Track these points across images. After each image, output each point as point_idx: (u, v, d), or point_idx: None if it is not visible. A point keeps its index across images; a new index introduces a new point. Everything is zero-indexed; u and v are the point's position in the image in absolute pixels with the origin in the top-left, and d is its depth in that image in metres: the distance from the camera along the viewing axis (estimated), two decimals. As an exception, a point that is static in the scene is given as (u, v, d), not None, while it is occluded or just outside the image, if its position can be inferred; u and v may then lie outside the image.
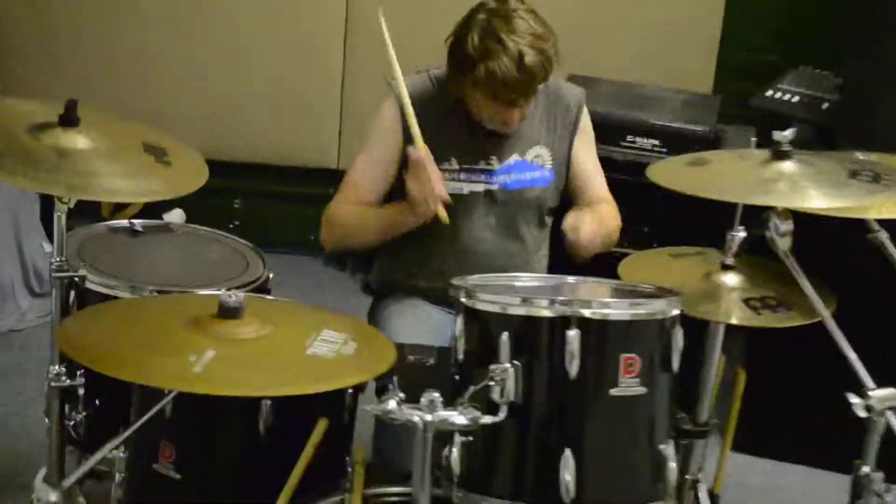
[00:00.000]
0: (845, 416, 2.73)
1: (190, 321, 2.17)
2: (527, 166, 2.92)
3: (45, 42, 4.96)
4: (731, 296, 2.57)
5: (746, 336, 3.38)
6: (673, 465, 2.20)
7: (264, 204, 5.17)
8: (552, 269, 3.04)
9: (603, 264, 2.87)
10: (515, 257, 2.96)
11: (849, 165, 2.34)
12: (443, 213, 2.74)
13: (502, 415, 2.11)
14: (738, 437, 2.84)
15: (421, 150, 2.73)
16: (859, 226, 2.54)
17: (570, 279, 2.55)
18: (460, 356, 2.23)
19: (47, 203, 4.34)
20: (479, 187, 2.89)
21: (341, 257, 3.17)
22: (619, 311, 2.16)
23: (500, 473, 2.19)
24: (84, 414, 2.62)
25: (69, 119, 2.22)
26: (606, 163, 3.17)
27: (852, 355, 2.28)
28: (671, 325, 2.20)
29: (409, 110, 2.75)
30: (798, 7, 4.85)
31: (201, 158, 2.45)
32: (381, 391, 2.40)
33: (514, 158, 2.91)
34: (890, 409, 2.23)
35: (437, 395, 2.07)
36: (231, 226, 4.83)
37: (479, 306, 2.19)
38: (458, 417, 2.08)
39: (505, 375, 2.11)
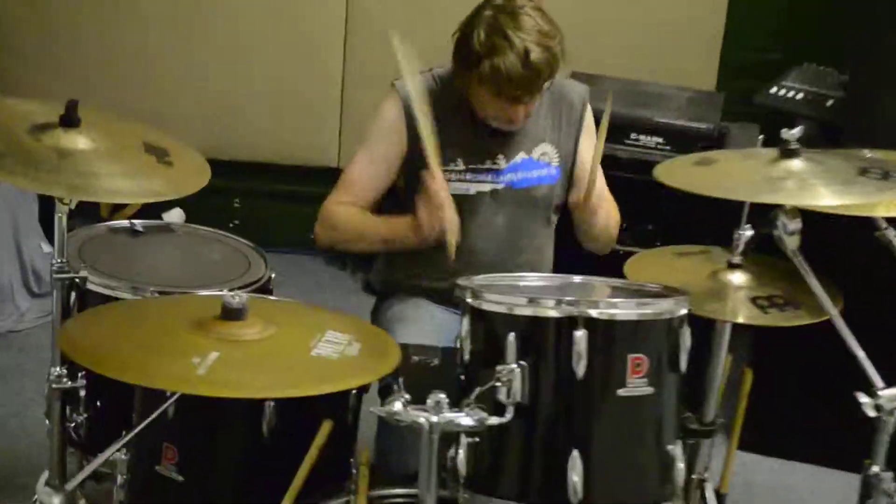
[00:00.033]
0: (852, 414, 2.72)
1: (193, 322, 2.15)
2: (534, 164, 2.92)
3: (45, 42, 4.96)
4: (737, 294, 2.56)
5: (753, 335, 3.36)
6: (681, 465, 2.19)
7: (264, 203, 5.17)
8: (557, 268, 3.03)
9: (608, 263, 2.86)
10: (522, 256, 2.95)
11: (857, 163, 2.33)
12: (451, 247, 2.73)
13: (509, 416, 2.10)
14: (744, 436, 2.82)
15: (437, 178, 2.71)
16: (866, 224, 2.53)
17: (577, 278, 2.54)
18: (466, 357, 2.22)
19: (46, 203, 4.36)
20: (486, 187, 2.88)
21: (340, 257, 3.15)
22: (626, 310, 2.14)
23: (507, 474, 2.18)
24: (85, 416, 2.60)
25: (70, 119, 2.21)
26: (610, 161, 3.17)
27: (861, 354, 2.27)
28: (679, 325, 2.19)
29: (430, 141, 2.72)
30: (800, 5, 4.85)
31: (202, 158, 2.44)
32: (384, 391, 2.40)
33: (520, 157, 2.90)
34: (900, 408, 2.21)
35: (443, 396, 2.05)
36: (231, 225, 4.82)
37: (486, 307, 2.18)
38: (464, 419, 2.07)
39: (511, 376, 2.10)
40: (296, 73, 4.99)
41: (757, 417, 2.85)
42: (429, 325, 2.87)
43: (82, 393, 2.52)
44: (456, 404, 2.09)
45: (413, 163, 2.86)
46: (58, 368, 2.40)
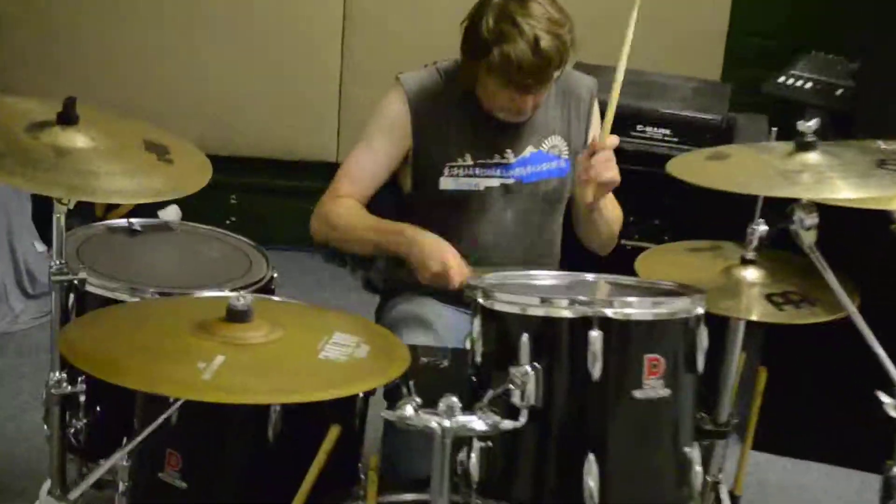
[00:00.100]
0: (865, 412, 2.71)
1: (197, 325, 2.13)
2: (543, 157, 2.90)
3: (43, 40, 4.94)
4: (752, 291, 2.54)
5: (764, 332, 3.35)
6: (698, 468, 2.18)
7: (261, 200, 5.16)
8: (563, 265, 3.00)
9: (616, 259, 2.84)
10: (532, 251, 2.93)
11: (875, 155, 2.31)
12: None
13: (523, 419, 2.08)
14: (756, 436, 2.81)
15: (459, 269, 2.66)
16: (881, 217, 2.52)
17: (589, 276, 2.52)
18: (478, 358, 2.21)
19: (39, 201, 4.35)
20: (495, 182, 2.86)
21: (339, 254, 3.13)
22: (642, 310, 2.12)
23: (521, 479, 2.16)
24: (85, 421, 2.59)
25: (68, 117, 2.19)
26: (616, 153, 3.13)
27: (881, 352, 2.26)
28: (696, 324, 2.17)
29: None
30: (806, -9, 4.83)
31: (203, 156, 2.42)
32: (391, 393, 2.38)
33: (529, 150, 2.88)
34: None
35: (455, 399, 2.03)
36: (227, 222, 4.82)
37: (498, 307, 2.16)
38: (477, 423, 2.05)
39: (525, 378, 2.08)
40: (294, 68, 4.98)
41: (769, 416, 2.84)
42: (436, 325, 2.84)
43: (82, 398, 2.51)
44: (467, 407, 2.07)
45: (420, 162, 2.84)
46: (57, 373, 2.38)
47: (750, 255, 2.57)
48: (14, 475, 3.39)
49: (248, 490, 2.26)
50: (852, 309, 2.28)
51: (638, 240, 3.54)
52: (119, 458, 2.27)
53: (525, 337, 2.10)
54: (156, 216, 4.15)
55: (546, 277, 2.56)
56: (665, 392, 2.12)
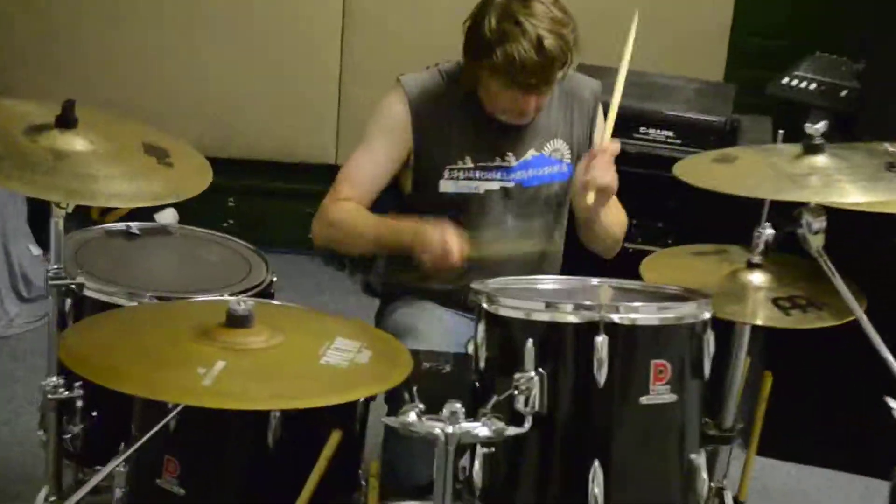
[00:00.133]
0: (869, 417, 2.70)
1: (196, 330, 2.12)
2: (545, 161, 2.88)
3: (42, 41, 4.93)
4: (758, 295, 2.53)
5: (766, 336, 3.35)
6: (704, 475, 2.18)
7: (259, 202, 5.15)
8: (567, 269, 3.00)
9: (619, 263, 2.84)
10: (533, 256, 2.92)
11: (883, 158, 2.30)
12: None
13: (527, 425, 2.08)
14: (760, 441, 2.81)
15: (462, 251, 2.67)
16: (888, 221, 2.51)
17: (593, 281, 2.51)
18: (481, 364, 2.20)
19: (34, 204, 4.34)
20: (495, 185, 2.85)
21: (339, 257, 3.12)
22: (648, 315, 2.12)
23: (525, 486, 2.16)
24: (81, 427, 2.56)
25: (66, 120, 2.19)
26: (619, 155, 3.12)
27: (889, 357, 2.25)
28: (702, 330, 2.17)
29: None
30: (809, -8, 4.83)
31: (203, 158, 2.42)
32: (392, 398, 2.37)
33: (531, 154, 2.87)
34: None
35: (458, 405, 2.03)
36: (225, 225, 4.81)
37: (502, 312, 2.16)
38: (481, 429, 2.05)
39: (530, 384, 2.08)
40: (293, 69, 4.96)
41: (772, 421, 2.83)
42: (436, 329, 2.83)
43: (79, 403, 2.49)
44: (470, 413, 2.06)
45: (420, 164, 2.83)
46: (54, 378, 2.38)
47: (756, 258, 2.56)
48: (9, 479, 3.38)
49: (248, 497, 2.25)
50: (860, 313, 2.28)
51: (641, 243, 3.54)
52: (116, 466, 2.26)
53: (530, 342, 2.10)
54: (152, 219, 4.13)
55: (550, 282, 2.56)
56: (671, 398, 2.12)
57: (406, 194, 2.92)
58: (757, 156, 2.45)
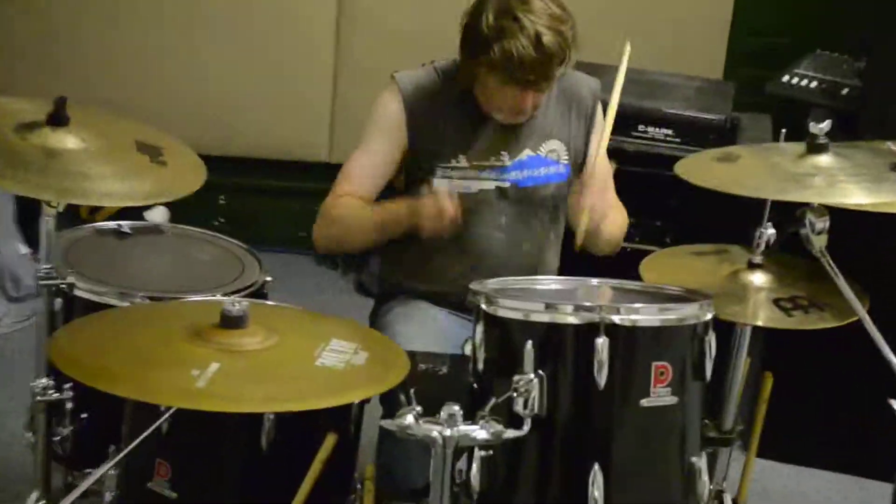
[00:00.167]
0: (869, 419, 2.71)
1: (190, 331, 2.12)
2: (541, 161, 2.88)
3: (37, 38, 4.92)
4: (759, 296, 2.54)
5: (765, 337, 3.35)
6: (705, 478, 2.18)
7: (251, 200, 5.14)
8: (566, 270, 2.99)
9: (616, 262, 2.83)
10: (528, 257, 2.92)
11: (887, 157, 2.31)
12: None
13: (526, 428, 2.07)
14: (759, 442, 2.81)
15: (452, 199, 2.69)
16: (891, 221, 2.51)
17: (593, 281, 2.51)
18: (480, 365, 2.20)
19: (23, 202, 4.33)
20: (490, 185, 2.85)
21: (332, 256, 3.12)
22: (649, 316, 2.12)
23: (524, 490, 2.16)
24: (70, 429, 2.55)
25: (58, 118, 2.18)
26: (617, 154, 3.12)
27: (892, 358, 2.26)
28: (704, 331, 2.17)
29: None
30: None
31: (197, 157, 2.41)
32: (387, 399, 2.37)
33: (526, 154, 2.87)
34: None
35: (456, 408, 2.03)
36: (216, 223, 4.80)
37: (501, 313, 2.15)
38: (479, 432, 2.05)
39: (529, 386, 2.07)
40: (287, 67, 4.96)
41: (771, 422, 2.83)
42: (431, 329, 2.83)
43: (69, 405, 2.48)
44: (468, 415, 2.06)
45: (413, 163, 2.83)
46: (44, 379, 2.37)
47: (757, 258, 2.56)
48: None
49: (241, 501, 2.24)
50: (864, 314, 2.28)
51: (639, 242, 3.54)
52: (108, 469, 2.25)
53: (529, 344, 2.09)
54: (142, 217, 4.13)
55: (549, 282, 2.56)
56: (672, 400, 2.12)
57: (400, 193, 2.91)
58: (759, 155, 2.45)
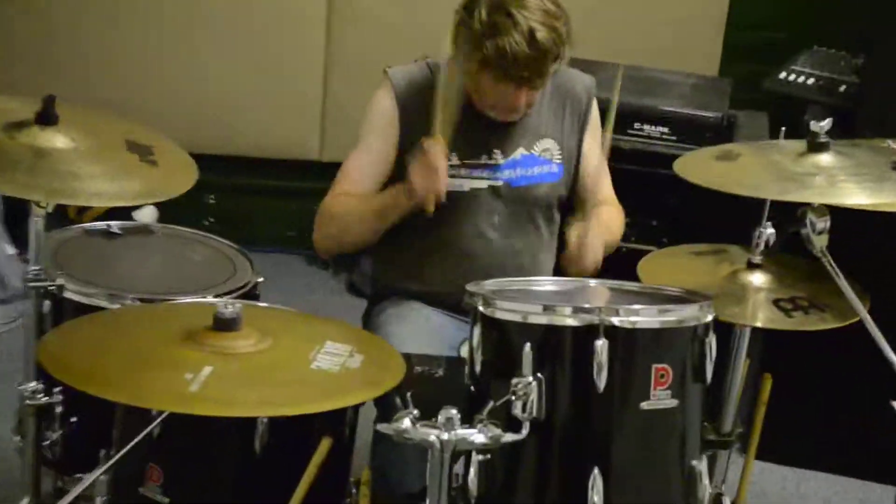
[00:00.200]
0: (868, 421, 2.71)
1: (182, 334, 2.12)
2: (535, 160, 2.88)
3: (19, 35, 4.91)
4: (758, 297, 2.53)
5: (764, 338, 3.35)
6: (706, 482, 2.17)
7: (240, 199, 5.12)
8: (560, 270, 2.99)
9: (612, 262, 2.83)
10: (521, 257, 2.91)
11: (888, 156, 2.31)
12: (430, 207, 2.69)
13: (525, 432, 2.06)
14: (758, 444, 2.81)
15: (437, 143, 2.68)
16: (891, 220, 2.51)
17: (592, 282, 2.51)
18: (477, 368, 2.18)
19: (10, 202, 4.31)
20: (482, 184, 2.84)
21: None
22: (648, 318, 2.10)
23: (522, 494, 2.14)
24: (60, 433, 2.56)
25: (47, 116, 2.17)
26: (612, 152, 3.11)
27: (894, 359, 2.25)
28: (704, 333, 2.16)
29: (440, 100, 2.69)
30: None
31: (188, 156, 2.41)
32: (381, 402, 2.36)
33: (520, 152, 2.86)
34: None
35: (454, 412, 2.02)
36: (205, 222, 4.79)
37: (499, 315, 2.14)
38: (477, 436, 2.03)
39: (528, 389, 2.06)
40: (277, 64, 4.95)
41: (770, 424, 2.83)
42: (425, 330, 2.83)
43: (58, 409, 2.48)
44: (465, 419, 2.05)
45: (405, 159, 2.83)
46: (33, 383, 2.36)
47: (757, 258, 2.56)
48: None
49: (234, 505, 2.23)
50: (865, 315, 2.28)
51: (635, 242, 3.54)
52: (100, 475, 2.24)
53: (527, 346, 2.08)
54: (131, 217, 4.12)
55: (547, 283, 2.55)
56: (672, 403, 2.11)
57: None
58: (759, 153, 2.45)
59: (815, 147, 2.27)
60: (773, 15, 4.83)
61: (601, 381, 2.05)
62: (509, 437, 2.05)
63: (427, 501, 2.06)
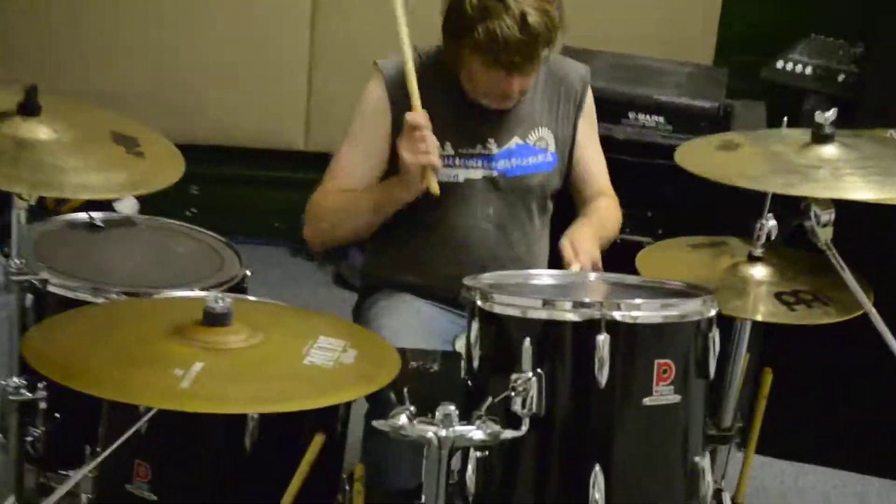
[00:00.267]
0: (868, 414, 2.71)
1: (171, 329, 2.10)
2: (529, 150, 2.87)
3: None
4: (760, 290, 2.52)
5: (764, 332, 3.36)
6: (709, 478, 2.17)
7: (223, 190, 5.09)
8: (555, 262, 2.99)
9: (609, 254, 2.82)
10: (516, 248, 2.91)
11: (892, 147, 2.30)
12: (434, 185, 2.69)
13: (524, 428, 2.06)
14: (758, 439, 2.80)
15: (419, 113, 2.67)
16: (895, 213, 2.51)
17: (591, 275, 2.51)
18: (475, 363, 2.17)
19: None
20: (477, 174, 2.84)
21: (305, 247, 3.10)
22: (651, 312, 2.10)
23: (522, 492, 2.14)
24: (43, 429, 2.54)
25: (29, 107, 2.15)
26: (607, 142, 3.13)
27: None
28: (707, 327, 2.16)
29: (412, 74, 2.69)
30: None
31: (174, 147, 2.39)
32: (374, 397, 2.35)
33: (514, 142, 2.86)
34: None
35: (452, 408, 2.01)
36: (188, 213, 4.77)
37: (497, 310, 2.13)
38: (476, 433, 2.03)
39: (527, 385, 2.05)
40: (261, 53, 4.93)
41: (770, 418, 2.82)
42: (416, 322, 2.83)
43: (42, 405, 2.46)
44: (463, 415, 2.04)
45: (398, 150, 2.82)
46: (16, 378, 2.35)
47: (758, 251, 2.55)
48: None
49: (223, 503, 2.22)
50: (871, 309, 2.28)
51: (630, 233, 3.53)
52: (87, 472, 2.23)
53: (527, 341, 2.07)
54: (111, 208, 4.09)
55: (545, 277, 2.54)
56: (675, 398, 2.11)
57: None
58: (760, 143, 2.44)
59: (820, 138, 2.26)
60: (769, 3, 4.82)
61: (603, 377, 2.05)
62: (509, 434, 2.05)
63: (423, 499, 2.06)
